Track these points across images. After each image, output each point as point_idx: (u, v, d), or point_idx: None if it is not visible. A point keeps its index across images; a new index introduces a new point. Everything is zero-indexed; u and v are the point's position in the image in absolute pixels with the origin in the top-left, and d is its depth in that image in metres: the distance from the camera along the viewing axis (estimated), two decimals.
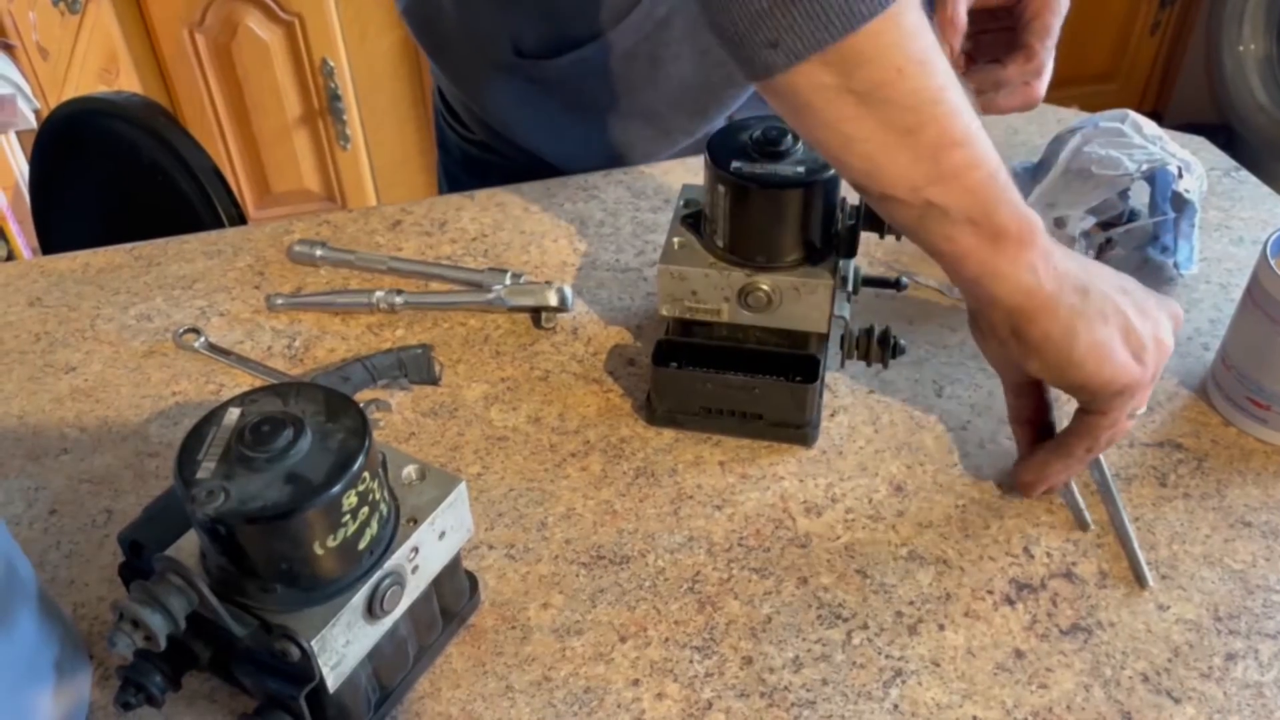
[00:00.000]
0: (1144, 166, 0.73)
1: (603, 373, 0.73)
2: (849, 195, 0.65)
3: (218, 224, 1.10)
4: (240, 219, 1.12)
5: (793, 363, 0.66)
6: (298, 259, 0.82)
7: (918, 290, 0.79)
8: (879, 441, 0.68)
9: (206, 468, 0.45)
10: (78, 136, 1.16)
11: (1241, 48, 2.43)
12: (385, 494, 0.49)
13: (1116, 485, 0.64)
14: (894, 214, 0.54)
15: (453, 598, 0.56)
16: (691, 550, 0.61)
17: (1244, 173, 0.91)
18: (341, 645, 0.47)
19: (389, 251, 0.83)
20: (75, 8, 1.70)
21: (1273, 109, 2.40)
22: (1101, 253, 0.77)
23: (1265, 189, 0.90)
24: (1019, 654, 0.56)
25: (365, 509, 0.46)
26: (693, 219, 0.66)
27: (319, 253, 0.82)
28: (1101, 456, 0.65)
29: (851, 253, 0.65)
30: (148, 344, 0.76)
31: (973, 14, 0.70)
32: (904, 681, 0.55)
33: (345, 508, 0.45)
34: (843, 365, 0.69)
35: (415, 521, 0.50)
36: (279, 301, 0.78)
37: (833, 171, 0.61)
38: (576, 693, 0.54)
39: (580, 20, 0.84)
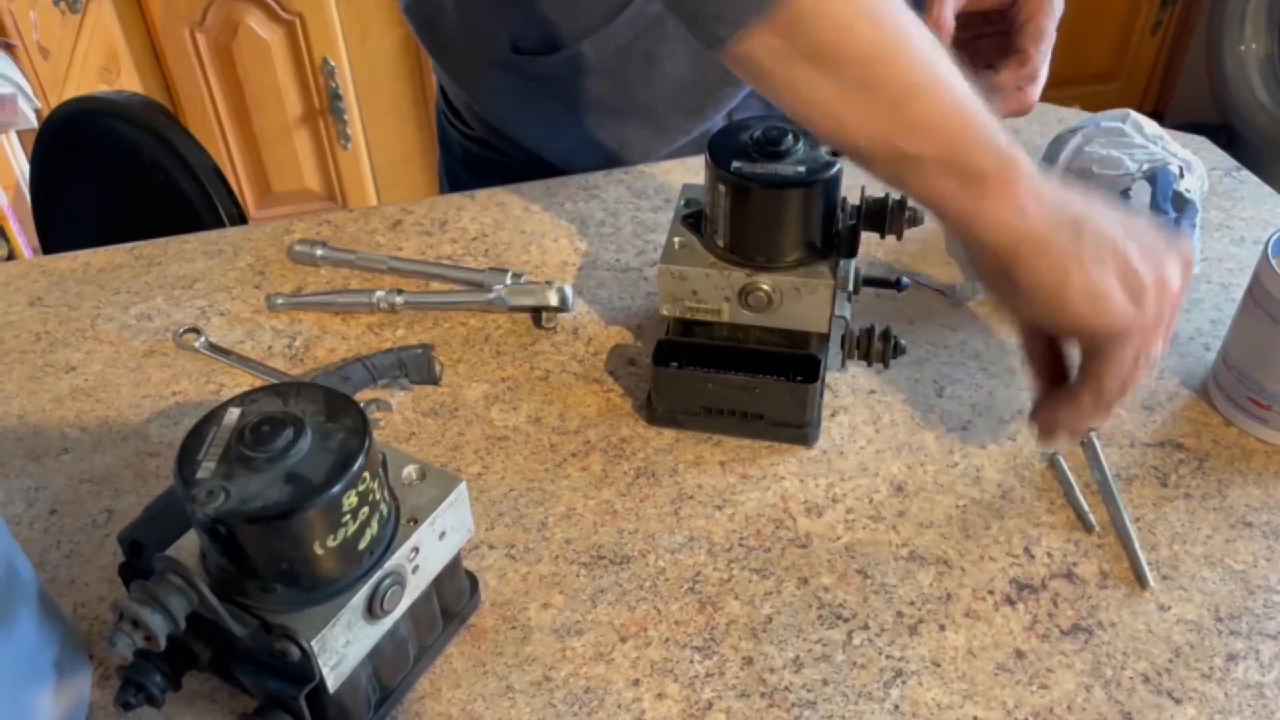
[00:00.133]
0: (1145, 166, 0.73)
1: (603, 373, 0.73)
2: (850, 195, 0.65)
3: (218, 223, 1.10)
4: (241, 218, 1.12)
5: (793, 363, 0.65)
6: (298, 259, 0.82)
7: (918, 290, 0.79)
8: (879, 441, 0.68)
9: (207, 468, 0.45)
10: (78, 136, 1.16)
11: (1243, 47, 2.43)
12: (385, 494, 0.49)
13: (1117, 485, 0.64)
14: (869, 167, 0.54)
15: (453, 598, 0.56)
16: (692, 550, 0.61)
17: (1245, 172, 0.91)
18: (341, 645, 0.47)
19: (389, 251, 0.83)
20: (76, 7, 1.70)
21: (1274, 108, 2.40)
22: None
23: (1266, 189, 0.89)
24: (1020, 654, 0.56)
25: (365, 509, 0.46)
26: (693, 219, 0.66)
27: (319, 252, 0.82)
28: (1103, 457, 0.65)
29: (852, 253, 0.65)
30: (148, 344, 0.76)
31: (966, 18, 0.69)
32: (904, 682, 0.55)
33: (345, 508, 0.45)
34: (843, 365, 0.69)
35: (415, 521, 0.50)
36: (279, 301, 0.78)
37: (833, 171, 0.61)
38: (577, 693, 0.54)
39: (574, 16, 0.84)
